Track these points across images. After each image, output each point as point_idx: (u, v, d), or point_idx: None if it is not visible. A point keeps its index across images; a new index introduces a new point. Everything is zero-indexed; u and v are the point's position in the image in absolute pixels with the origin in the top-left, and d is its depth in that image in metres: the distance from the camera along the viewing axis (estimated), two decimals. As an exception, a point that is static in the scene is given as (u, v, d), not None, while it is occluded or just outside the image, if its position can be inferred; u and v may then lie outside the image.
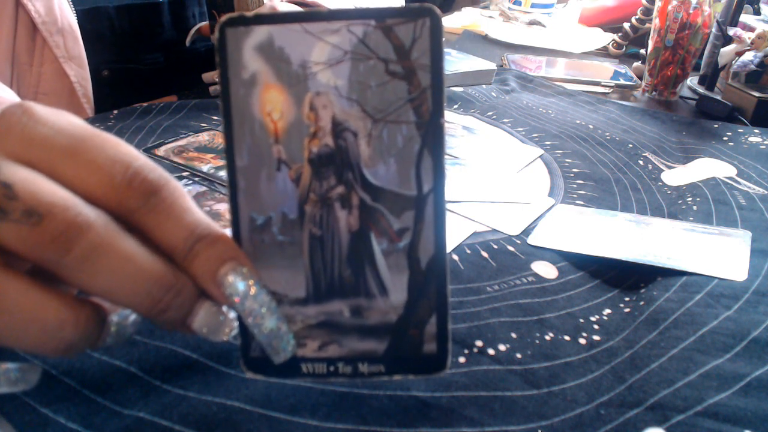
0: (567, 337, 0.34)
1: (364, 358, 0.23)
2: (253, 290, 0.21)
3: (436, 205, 0.22)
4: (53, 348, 0.20)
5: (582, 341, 0.34)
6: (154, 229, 0.21)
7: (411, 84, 0.22)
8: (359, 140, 0.22)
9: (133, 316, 0.22)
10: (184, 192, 0.21)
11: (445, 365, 0.23)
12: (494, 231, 0.46)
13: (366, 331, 0.23)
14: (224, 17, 0.21)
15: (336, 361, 0.23)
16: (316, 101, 0.22)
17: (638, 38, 1.10)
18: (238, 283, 0.21)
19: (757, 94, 0.77)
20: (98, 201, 0.20)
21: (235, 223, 0.22)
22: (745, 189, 0.55)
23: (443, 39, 0.21)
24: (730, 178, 0.58)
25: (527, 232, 0.46)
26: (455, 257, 0.42)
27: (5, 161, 0.19)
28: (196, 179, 0.48)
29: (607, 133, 0.69)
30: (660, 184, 0.57)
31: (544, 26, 1.29)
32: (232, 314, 0.22)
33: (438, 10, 0.21)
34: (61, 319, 0.19)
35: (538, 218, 0.48)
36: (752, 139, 0.69)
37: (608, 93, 0.88)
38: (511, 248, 0.43)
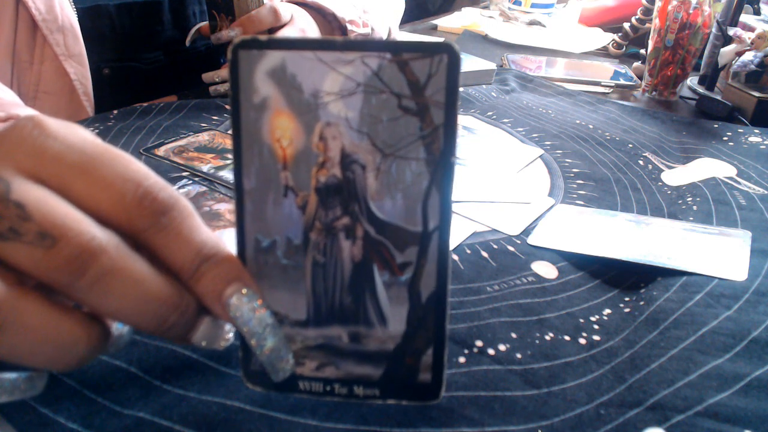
0: (567, 337, 0.34)
1: (360, 382, 0.24)
2: (256, 312, 0.21)
3: (440, 242, 0.22)
4: (66, 364, 0.20)
5: (582, 341, 0.34)
6: (163, 248, 0.21)
7: (423, 121, 0.21)
8: (367, 173, 0.22)
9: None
10: (192, 211, 0.22)
11: (439, 395, 0.24)
12: (494, 231, 0.46)
13: (363, 356, 0.23)
14: (238, 39, 0.21)
15: (333, 381, 0.24)
16: (326, 131, 0.21)
17: (638, 38, 1.10)
18: (243, 305, 0.21)
19: (757, 94, 0.77)
20: (108, 220, 0.20)
21: (241, 244, 0.23)
22: (745, 189, 0.55)
23: (460, 77, 0.21)
24: (730, 178, 0.58)
25: (527, 232, 0.46)
26: (455, 257, 0.42)
27: (17, 178, 0.19)
28: (196, 179, 0.48)
29: (607, 133, 0.69)
30: (660, 184, 0.57)
31: (544, 26, 1.29)
32: (228, 326, 0.23)
33: (456, 47, 0.21)
34: (75, 336, 0.20)
35: (538, 218, 0.48)
36: (752, 139, 0.69)
37: (608, 93, 0.88)
38: (511, 248, 0.43)
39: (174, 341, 0.22)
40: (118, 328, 0.22)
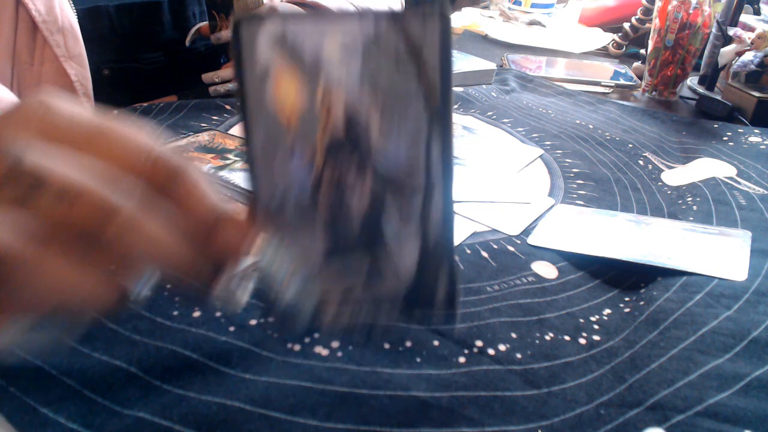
0: (567, 337, 0.34)
1: (380, 310, 0.25)
2: (274, 261, 0.22)
3: (444, 183, 0.24)
4: (91, 313, 0.21)
5: (582, 341, 0.34)
6: (181, 201, 0.21)
7: (420, 77, 0.22)
8: (370, 130, 0.23)
9: (151, 282, 0.23)
10: (204, 173, 0.22)
11: (455, 307, 0.25)
12: (494, 231, 0.46)
13: (380, 290, 0.25)
14: (238, 17, 0.22)
15: (354, 313, 0.25)
16: (328, 94, 0.23)
17: (638, 38, 1.10)
18: (262, 256, 0.22)
19: (757, 94, 0.77)
20: (122, 182, 0.21)
21: (253, 204, 0.24)
22: (745, 189, 0.55)
23: (452, 36, 0.22)
24: (730, 178, 0.58)
25: (527, 232, 0.46)
26: (455, 257, 0.42)
27: (32, 145, 0.20)
28: (196, 179, 0.48)
29: (607, 133, 0.69)
30: (660, 184, 0.57)
31: (544, 26, 1.29)
32: (243, 286, 0.24)
33: (447, 8, 0.22)
34: (96, 289, 0.21)
35: (538, 218, 0.48)
36: (752, 139, 0.69)
37: (608, 93, 0.88)
38: (511, 248, 0.43)
39: (199, 293, 0.23)
40: (139, 283, 0.23)
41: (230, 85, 0.69)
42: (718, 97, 0.82)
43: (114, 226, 0.20)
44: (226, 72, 0.69)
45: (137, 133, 0.21)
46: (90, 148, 0.21)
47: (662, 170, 0.60)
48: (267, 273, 0.22)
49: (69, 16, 0.58)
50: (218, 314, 0.33)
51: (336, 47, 0.22)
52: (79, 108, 0.22)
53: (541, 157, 0.61)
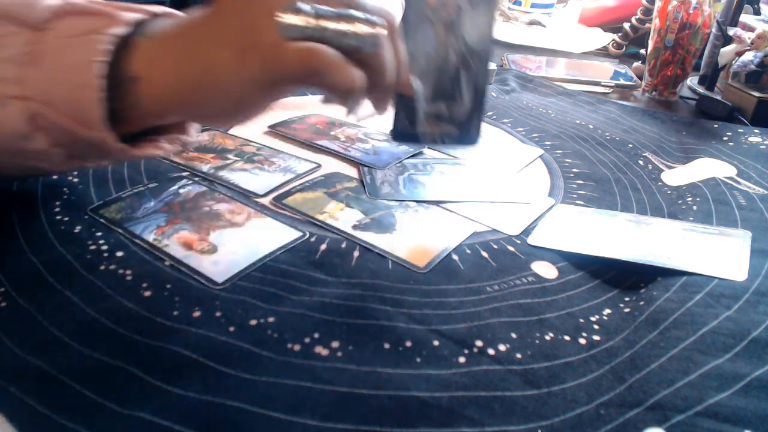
0: (567, 337, 0.34)
1: (449, 135, 0.43)
2: (419, 89, 0.39)
3: (486, 58, 0.42)
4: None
5: (582, 341, 0.34)
6: (396, 47, 0.35)
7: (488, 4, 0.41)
8: (464, 16, 0.40)
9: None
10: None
11: (477, 142, 0.43)
12: (494, 231, 0.46)
13: (452, 120, 0.42)
14: None
15: (435, 135, 0.42)
16: None
17: (638, 38, 1.10)
18: (417, 88, 0.38)
19: (757, 94, 0.77)
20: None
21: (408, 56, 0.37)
22: (745, 189, 0.55)
23: None
24: (730, 178, 0.58)
25: (527, 232, 0.46)
26: (455, 257, 0.42)
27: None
28: (196, 179, 0.48)
29: (607, 133, 0.69)
30: (660, 184, 0.57)
31: (544, 26, 1.29)
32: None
33: None
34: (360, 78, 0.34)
35: (538, 218, 0.48)
36: (752, 139, 0.69)
37: (608, 93, 0.88)
38: (511, 248, 0.43)
39: (383, 100, 0.37)
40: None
41: None
42: (718, 97, 0.82)
43: (389, 40, 0.34)
44: None
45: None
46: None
47: (662, 170, 0.60)
48: (417, 96, 0.39)
49: None
50: (218, 314, 0.34)
51: None
52: None
53: (541, 157, 0.61)
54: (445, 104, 0.42)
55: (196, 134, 0.41)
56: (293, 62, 0.31)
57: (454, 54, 0.41)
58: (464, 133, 0.44)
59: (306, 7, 0.31)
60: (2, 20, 0.33)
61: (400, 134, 0.42)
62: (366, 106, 0.37)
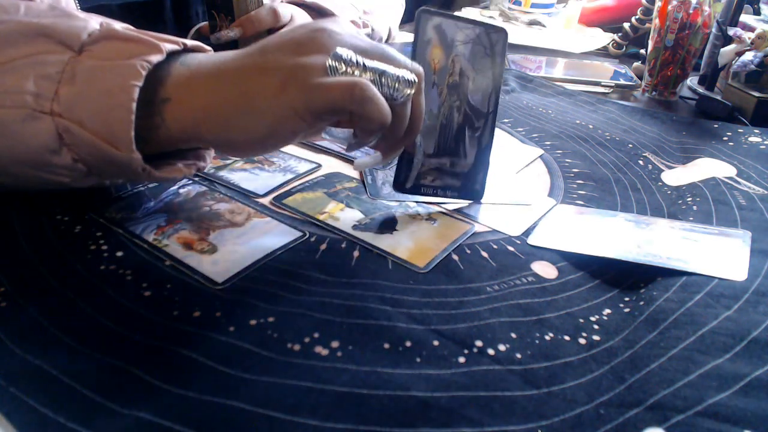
0: (567, 337, 0.34)
1: (450, 188, 0.47)
2: (421, 147, 0.45)
3: (493, 118, 0.47)
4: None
5: (582, 341, 0.34)
6: (414, 103, 0.38)
7: (493, 61, 0.47)
8: (468, 81, 0.46)
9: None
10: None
11: (482, 197, 0.49)
12: (494, 231, 0.46)
13: (454, 175, 0.47)
14: (422, 8, 0.43)
15: (437, 188, 0.47)
16: (455, 59, 0.45)
17: (638, 38, 1.10)
18: (417, 143, 0.44)
19: (757, 94, 0.77)
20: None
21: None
22: (745, 189, 0.55)
23: (507, 44, 0.48)
24: (730, 178, 0.58)
25: (527, 232, 0.46)
26: (455, 257, 0.42)
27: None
28: (196, 179, 0.48)
29: (607, 133, 0.69)
30: (660, 184, 0.57)
31: (544, 26, 1.29)
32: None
33: (506, 31, 0.48)
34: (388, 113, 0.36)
35: (538, 218, 0.48)
36: (752, 139, 0.69)
37: (608, 93, 0.88)
38: (511, 248, 0.43)
39: (392, 153, 0.41)
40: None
41: (231, 33, 0.68)
42: (718, 97, 0.82)
43: (418, 92, 0.38)
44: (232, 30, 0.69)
45: (398, 53, 0.37)
46: (380, 58, 0.36)
47: (662, 170, 0.60)
48: (417, 152, 0.44)
49: None
50: (218, 314, 0.34)
51: (462, 36, 0.45)
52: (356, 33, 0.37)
53: (541, 157, 0.61)
54: (448, 160, 0.46)
55: (210, 160, 0.43)
56: (336, 92, 0.33)
57: (457, 113, 0.45)
58: (468, 187, 0.47)
59: (351, 55, 0.34)
60: (47, 39, 0.35)
61: (402, 185, 0.45)
62: (370, 157, 0.41)
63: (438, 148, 0.45)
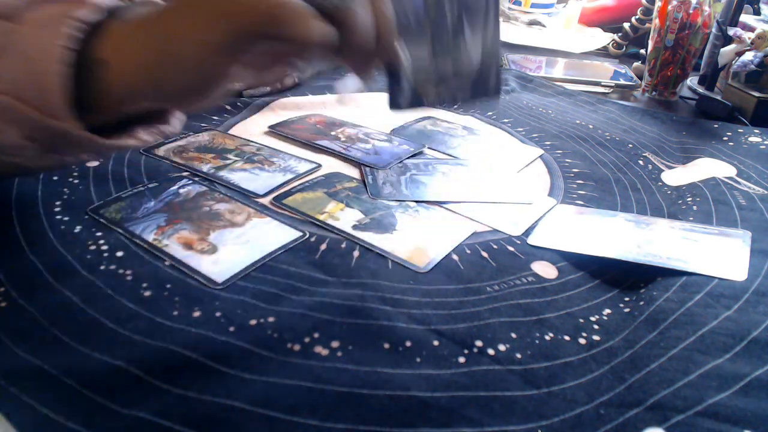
0: (567, 337, 0.34)
1: (459, 91, 0.40)
2: (407, 56, 0.36)
3: (495, 11, 0.39)
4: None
5: (582, 341, 0.34)
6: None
7: None
8: None
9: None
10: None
11: (499, 93, 0.41)
12: (494, 231, 0.46)
13: (460, 76, 0.39)
14: None
15: (444, 94, 0.39)
16: None
17: (638, 38, 1.10)
18: (402, 52, 0.35)
19: (757, 94, 0.77)
20: None
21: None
22: (745, 189, 0.55)
23: None
24: (730, 178, 0.58)
25: (527, 232, 0.46)
26: (455, 257, 0.42)
27: None
28: (196, 179, 0.48)
29: (607, 133, 0.69)
30: (660, 184, 0.57)
31: (544, 26, 1.29)
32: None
33: None
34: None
35: (538, 218, 0.48)
36: (752, 139, 0.69)
37: (608, 93, 0.88)
38: (511, 248, 0.43)
39: (366, 66, 0.33)
40: None
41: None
42: (718, 97, 0.82)
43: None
44: None
45: None
46: None
47: (662, 170, 0.60)
48: (405, 64, 0.35)
49: None
50: (218, 314, 0.34)
51: None
52: None
53: (541, 157, 0.61)
54: (449, 60, 0.38)
55: (179, 124, 0.39)
56: (255, 10, 0.29)
57: (449, 3, 0.37)
58: (480, 85, 0.40)
59: None
60: None
61: (397, 102, 0.37)
62: (349, 79, 0.37)
63: (434, 52, 0.37)
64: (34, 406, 0.27)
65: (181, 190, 0.46)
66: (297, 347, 0.32)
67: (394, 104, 0.37)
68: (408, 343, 0.33)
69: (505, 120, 0.71)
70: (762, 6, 0.97)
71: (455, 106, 0.44)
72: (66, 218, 0.41)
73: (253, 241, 0.41)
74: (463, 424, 0.28)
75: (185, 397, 0.28)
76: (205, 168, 0.50)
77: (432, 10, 0.37)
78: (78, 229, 0.40)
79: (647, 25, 1.05)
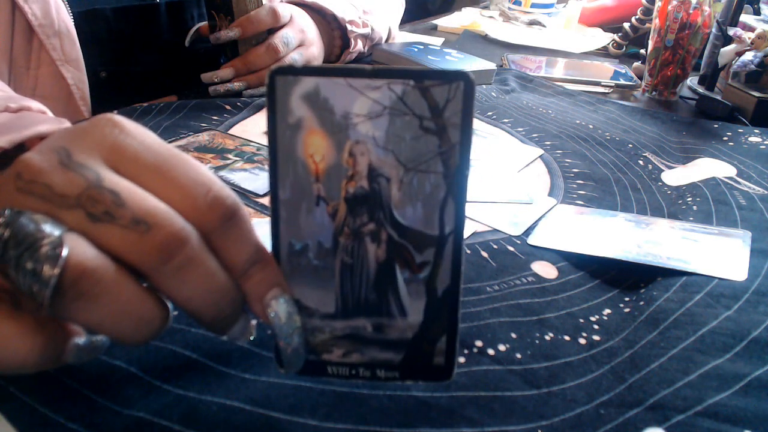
0: (567, 337, 0.34)
1: (382, 366, 0.27)
2: (288, 316, 0.24)
3: (454, 243, 0.25)
4: (139, 338, 0.22)
5: (582, 341, 0.34)
6: (223, 249, 0.23)
7: (442, 140, 0.24)
8: (391, 185, 0.24)
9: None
10: (248, 217, 0.23)
11: (451, 375, 0.27)
12: (494, 231, 0.46)
13: (385, 344, 0.26)
14: (274, 66, 0.23)
15: (357, 366, 0.27)
16: (355, 149, 0.24)
17: (638, 38, 1.10)
18: (279, 308, 0.24)
19: (757, 94, 0.77)
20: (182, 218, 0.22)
21: (275, 247, 0.25)
22: (745, 189, 0.55)
23: (475, 101, 0.23)
24: (730, 178, 0.58)
25: (527, 232, 0.46)
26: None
27: (106, 170, 0.21)
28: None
29: (607, 133, 0.69)
30: (660, 184, 0.57)
31: (544, 26, 1.29)
32: (254, 322, 0.26)
33: (472, 75, 0.23)
34: (155, 314, 0.22)
35: (538, 218, 0.48)
36: (752, 139, 0.69)
37: (608, 93, 0.88)
38: (511, 248, 0.43)
39: (214, 332, 0.24)
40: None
41: (230, 85, 0.69)
42: (718, 97, 0.82)
43: (181, 256, 0.21)
44: (226, 72, 0.69)
45: (199, 167, 0.23)
46: (155, 175, 0.21)
47: (662, 170, 0.60)
48: (277, 329, 0.24)
49: (65, 19, 0.58)
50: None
51: (365, 104, 0.23)
52: (146, 132, 0.22)
53: (541, 157, 0.61)
54: (367, 321, 0.26)
55: None
56: None
57: (374, 244, 0.25)
58: (420, 360, 0.26)
59: None
60: None
61: (280, 362, 0.26)
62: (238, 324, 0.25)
63: (344, 305, 0.26)
64: (34, 406, 0.27)
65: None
66: (297, 347, 0.32)
67: (279, 364, 0.26)
68: (408, 343, 0.33)
69: (505, 120, 0.71)
70: (762, 6, 0.97)
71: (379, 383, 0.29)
72: (66, 218, 0.41)
73: (253, 241, 0.40)
74: (463, 424, 0.28)
75: (185, 397, 0.28)
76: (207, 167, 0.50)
77: (346, 249, 0.25)
78: (78, 229, 0.40)
79: (647, 25, 1.05)
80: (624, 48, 1.11)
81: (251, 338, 0.26)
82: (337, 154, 0.24)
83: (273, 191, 0.24)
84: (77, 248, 0.19)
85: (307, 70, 0.23)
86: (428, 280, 0.25)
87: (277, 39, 0.70)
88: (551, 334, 0.35)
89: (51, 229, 0.19)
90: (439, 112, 0.23)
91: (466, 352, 0.33)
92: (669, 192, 0.55)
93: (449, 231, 0.25)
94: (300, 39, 0.74)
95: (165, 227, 0.20)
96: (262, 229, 0.23)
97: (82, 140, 0.21)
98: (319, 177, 0.24)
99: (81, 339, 0.22)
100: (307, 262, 0.25)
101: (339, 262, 0.25)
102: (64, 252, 0.19)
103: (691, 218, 0.49)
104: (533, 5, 1.31)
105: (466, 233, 0.44)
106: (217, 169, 0.50)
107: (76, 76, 0.60)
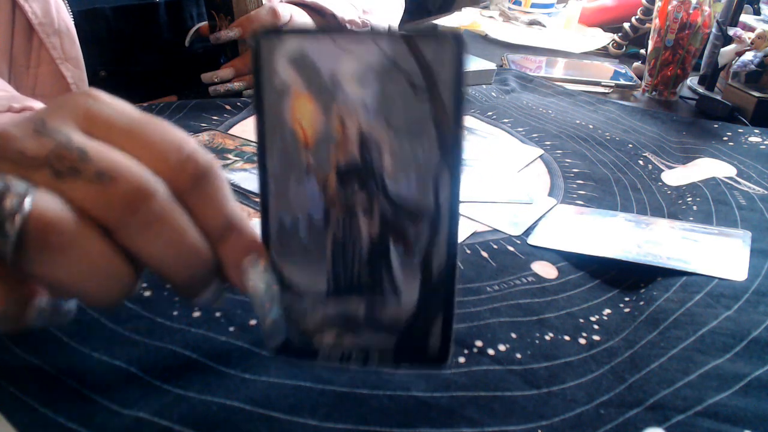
0: (567, 337, 0.34)
1: (375, 350, 0.25)
2: (266, 285, 0.23)
3: (450, 217, 0.23)
4: (107, 298, 0.21)
5: (582, 341, 0.34)
6: (197, 209, 0.22)
7: (434, 101, 0.22)
8: (383, 153, 0.23)
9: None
10: (225, 180, 0.23)
11: (447, 360, 0.25)
12: (494, 231, 0.46)
13: (379, 326, 0.25)
14: (258, 31, 0.22)
15: (350, 350, 0.25)
16: (344, 112, 0.22)
17: (638, 38, 1.10)
18: (257, 276, 0.23)
19: (757, 94, 0.77)
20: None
21: (265, 223, 0.24)
22: (745, 189, 0.55)
23: (466, 60, 0.22)
24: (730, 178, 0.58)
25: (527, 232, 0.46)
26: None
27: (76, 131, 0.21)
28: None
29: (607, 133, 0.69)
30: (660, 184, 0.57)
31: (544, 26, 1.29)
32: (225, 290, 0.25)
33: (462, 33, 0.22)
34: (123, 271, 0.21)
35: (538, 218, 0.48)
36: (752, 139, 0.69)
37: (608, 93, 0.88)
38: (511, 248, 0.43)
39: (186, 296, 0.23)
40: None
41: (230, 85, 0.69)
42: (718, 97, 0.82)
43: (147, 209, 0.20)
44: (226, 72, 0.69)
45: (171, 128, 0.22)
46: (128, 138, 0.22)
47: (662, 170, 0.60)
48: (253, 297, 0.23)
49: (65, 18, 0.58)
50: (218, 314, 0.33)
51: (353, 64, 0.22)
52: (120, 101, 0.23)
53: (541, 157, 0.61)
54: (361, 302, 0.25)
55: None
56: None
57: (366, 218, 0.24)
58: (413, 345, 0.25)
59: None
60: None
61: (266, 343, 0.25)
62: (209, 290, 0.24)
63: (336, 284, 0.24)
64: (34, 406, 0.27)
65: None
66: (297, 347, 0.32)
67: (265, 345, 0.25)
68: (408, 343, 0.33)
69: (505, 120, 0.71)
70: (762, 6, 0.97)
71: (372, 368, 0.29)
72: (66, 218, 0.41)
73: (253, 241, 0.40)
74: (463, 424, 0.28)
75: (185, 397, 0.28)
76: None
77: (337, 224, 0.24)
78: (78, 229, 0.40)
79: (647, 25, 1.05)
80: (624, 48, 1.11)
81: (221, 305, 0.25)
82: (326, 118, 0.22)
83: (261, 162, 0.23)
84: (41, 201, 0.19)
85: (293, 31, 0.22)
86: (423, 257, 0.24)
87: None
88: (551, 334, 0.35)
89: (17, 186, 0.19)
90: (429, 69, 0.22)
91: (466, 352, 0.33)
92: (669, 192, 0.55)
93: (445, 202, 0.23)
94: None
95: (128, 178, 0.20)
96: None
97: (58, 110, 0.22)
98: (308, 145, 0.23)
99: (44, 300, 0.22)
100: (297, 238, 0.24)
101: (330, 237, 0.24)
102: (27, 204, 0.19)
103: (691, 218, 0.49)
104: (533, 5, 1.31)
105: (466, 233, 0.44)
106: (217, 169, 0.50)
107: (76, 75, 0.60)
